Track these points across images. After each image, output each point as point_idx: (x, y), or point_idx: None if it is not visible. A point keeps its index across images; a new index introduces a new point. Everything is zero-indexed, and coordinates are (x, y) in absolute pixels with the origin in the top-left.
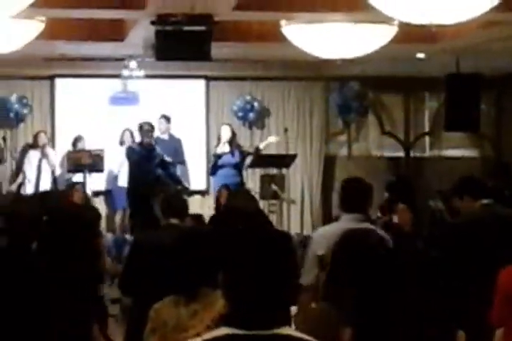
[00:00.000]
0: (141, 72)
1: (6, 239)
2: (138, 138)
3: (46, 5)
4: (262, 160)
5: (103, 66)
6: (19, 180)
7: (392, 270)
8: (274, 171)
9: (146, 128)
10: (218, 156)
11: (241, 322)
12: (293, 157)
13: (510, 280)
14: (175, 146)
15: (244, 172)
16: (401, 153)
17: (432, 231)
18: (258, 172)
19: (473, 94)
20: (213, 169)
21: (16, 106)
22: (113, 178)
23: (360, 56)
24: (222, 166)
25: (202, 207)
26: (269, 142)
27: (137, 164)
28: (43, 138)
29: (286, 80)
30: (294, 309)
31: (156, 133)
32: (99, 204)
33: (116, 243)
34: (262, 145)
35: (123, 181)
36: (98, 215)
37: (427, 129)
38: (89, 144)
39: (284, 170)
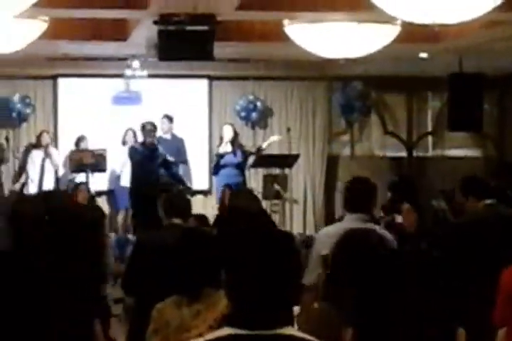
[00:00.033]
0: (144, 72)
1: (10, 239)
2: (140, 138)
3: (49, 5)
4: (264, 160)
5: (106, 66)
6: (22, 179)
7: (393, 270)
8: (276, 171)
9: (148, 128)
10: (220, 156)
11: (243, 322)
12: (296, 157)
13: None
14: (177, 146)
15: (246, 172)
16: (404, 153)
17: (435, 231)
18: (261, 172)
19: (476, 93)
20: (215, 169)
21: (19, 105)
22: (115, 178)
23: (363, 56)
24: (224, 166)
25: (204, 206)
26: (272, 141)
27: (140, 164)
28: (46, 138)
29: (289, 80)
30: (296, 309)
31: (159, 133)
32: (102, 204)
33: (119, 243)
34: (264, 145)
35: (125, 181)
36: (103, 215)
37: (429, 129)
38: (91, 144)
39: (286, 170)
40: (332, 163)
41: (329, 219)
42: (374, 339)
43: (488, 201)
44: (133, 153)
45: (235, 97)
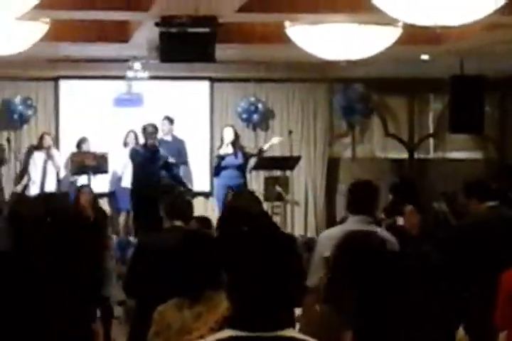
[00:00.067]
0: (146, 74)
1: (10, 239)
2: (142, 140)
3: (50, 6)
4: (266, 162)
5: (107, 67)
6: (24, 181)
7: (394, 272)
8: (278, 173)
9: (149, 130)
10: (221, 157)
11: (244, 323)
12: (297, 159)
13: None
14: (178, 147)
15: (248, 174)
16: (405, 155)
17: (438, 233)
18: (262, 174)
19: (478, 96)
20: (216, 170)
21: (20, 107)
22: (117, 180)
23: (365, 58)
24: (225, 167)
25: (206, 209)
26: (272, 143)
27: (141, 166)
28: (48, 140)
29: (290, 82)
30: (299, 311)
31: (160, 135)
32: (103, 205)
33: (120, 245)
34: (265, 147)
35: (126, 182)
36: (105, 217)
37: (431, 131)
38: (93, 146)
39: (288, 172)
40: (333, 165)
41: (330, 221)
42: None
43: (491, 203)
44: (134, 154)
45: (237, 99)
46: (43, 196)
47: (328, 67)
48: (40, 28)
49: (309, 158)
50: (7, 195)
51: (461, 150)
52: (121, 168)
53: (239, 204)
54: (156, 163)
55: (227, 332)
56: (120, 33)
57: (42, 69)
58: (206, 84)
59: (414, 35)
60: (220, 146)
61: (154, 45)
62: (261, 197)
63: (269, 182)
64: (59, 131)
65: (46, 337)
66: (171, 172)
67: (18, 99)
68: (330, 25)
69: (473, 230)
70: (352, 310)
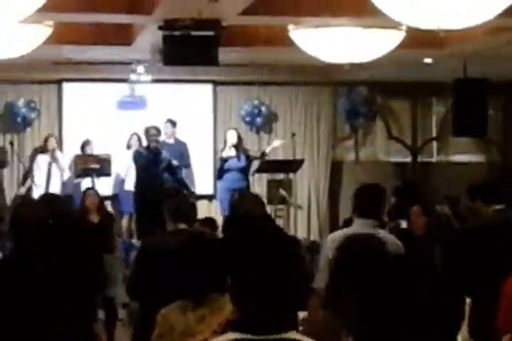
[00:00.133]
0: (149, 77)
1: (12, 242)
2: (145, 143)
3: (54, 9)
4: (269, 165)
5: (111, 70)
6: (27, 184)
7: (396, 274)
8: (281, 176)
9: (152, 132)
10: (224, 160)
11: (248, 326)
12: (300, 162)
13: None
14: (180, 150)
15: (251, 177)
16: (408, 159)
17: (443, 235)
18: (265, 177)
19: (481, 99)
20: (219, 173)
21: (24, 110)
22: (120, 182)
23: (368, 61)
24: (228, 170)
25: (209, 211)
26: (274, 146)
27: (144, 168)
28: (52, 143)
29: (294, 85)
30: (303, 314)
31: (162, 138)
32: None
33: (123, 247)
34: (267, 150)
35: (130, 185)
36: (112, 219)
37: (434, 134)
38: (96, 148)
39: (291, 175)
40: (336, 168)
41: (334, 224)
42: None
43: (498, 206)
44: (137, 157)
45: (240, 102)
46: (46, 198)
47: (331, 70)
48: (43, 30)
49: (312, 161)
50: (9, 198)
51: (464, 154)
52: (125, 170)
53: (243, 207)
54: (159, 166)
55: (231, 335)
56: (123, 36)
57: (45, 72)
58: (209, 87)
59: (418, 39)
60: (223, 149)
61: (157, 48)
62: (264, 200)
63: (272, 185)
64: (62, 134)
65: (43, 337)
66: (175, 175)
67: (21, 102)
68: (333, 28)
69: (479, 233)
70: (352, 314)
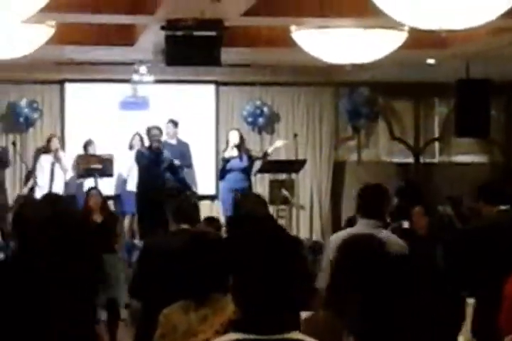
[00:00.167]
0: (151, 77)
1: (15, 242)
2: (147, 143)
3: (56, 10)
4: (271, 165)
5: (113, 71)
6: (30, 184)
7: (396, 274)
8: (283, 176)
9: (153, 132)
10: (226, 160)
11: (250, 326)
12: (302, 162)
13: None
14: (182, 150)
15: (253, 178)
16: (411, 159)
17: (445, 235)
18: (267, 177)
19: (483, 99)
20: (221, 173)
21: (26, 110)
22: (122, 183)
23: (370, 62)
24: (230, 170)
25: (211, 212)
26: (276, 146)
27: (146, 168)
28: (55, 143)
29: (296, 86)
30: (305, 314)
31: (164, 138)
32: None
33: (125, 248)
34: (269, 150)
35: (132, 186)
36: (116, 219)
37: (436, 135)
38: (99, 149)
39: (293, 176)
40: (339, 169)
41: (336, 224)
42: None
43: (503, 207)
44: (140, 157)
45: (242, 103)
46: (49, 198)
47: (333, 70)
48: (45, 31)
49: (315, 161)
50: (11, 198)
51: (466, 154)
52: (127, 170)
53: (245, 207)
54: (160, 166)
55: (233, 335)
56: (126, 36)
57: (48, 73)
58: (212, 87)
59: (420, 39)
60: (225, 149)
61: (160, 49)
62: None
63: (275, 186)
64: (65, 134)
65: (46, 337)
66: (177, 175)
67: (23, 102)
68: (336, 29)
69: (482, 233)
70: (353, 314)
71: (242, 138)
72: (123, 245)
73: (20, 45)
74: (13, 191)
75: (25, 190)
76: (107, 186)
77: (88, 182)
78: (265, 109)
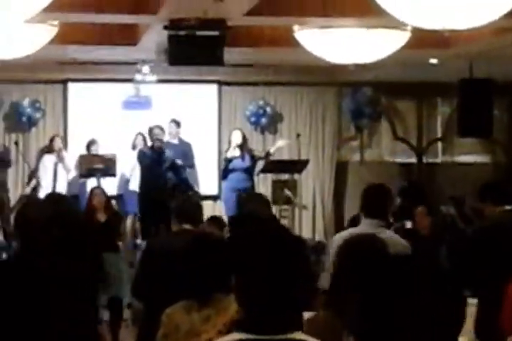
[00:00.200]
0: (154, 77)
1: (17, 242)
2: (150, 143)
3: (59, 9)
4: (274, 165)
5: (116, 70)
6: (32, 184)
7: (397, 274)
8: (286, 176)
9: (155, 132)
10: (229, 160)
11: (253, 326)
12: (305, 162)
13: None
14: (184, 150)
15: (255, 178)
16: (413, 159)
17: (450, 236)
18: (270, 177)
19: (486, 99)
20: (224, 173)
21: (29, 110)
22: (124, 183)
23: (373, 61)
24: (232, 170)
25: (213, 212)
26: (279, 146)
27: (148, 168)
28: (58, 143)
29: (299, 85)
30: (308, 314)
31: (166, 138)
32: None
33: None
34: (272, 150)
35: (134, 185)
36: (120, 218)
37: (439, 135)
38: (102, 148)
39: (296, 176)
40: (341, 169)
41: (339, 224)
42: None
43: (508, 207)
44: (142, 156)
45: (245, 102)
46: (51, 198)
47: (336, 70)
48: (48, 30)
49: (317, 161)
50: (13, 198)
51: (469, 154)
52: (129, 170)
53: (248, 207)
54: (162, 165)
55: (236, 335)
56: (129, 36)
57: (50, 72)
58: (214, 87)
59: (423, 39)
60: (228, 149)
61: (163, 48)
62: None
63: (277, 186)
64: (67, 134)
65: (47, 337)
66: (179, 174)
67: (26, 102)
68: (338, 29)
69: (486, 233)
70: (353, 315)
71: (245, 138)
72: (128, 245)
73: (23, 45)
74: (16, 191)
75: (28, 190)
76: (109, 186)
77: (91, 182)
78: (268, 109)
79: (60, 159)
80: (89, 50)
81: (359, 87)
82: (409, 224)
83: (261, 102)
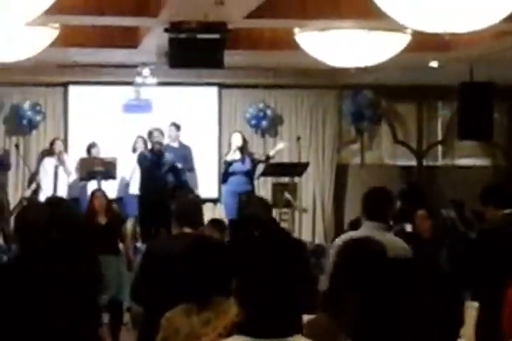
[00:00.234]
0: (154, 80)
1: (17, 245)
2: (150, 145)
3: (60, 12)
4: (274, 168)
5: (116, 73)
6: (32, 187)
7: (396, 277)
8: (286, 180)
9: (155, 135)
10: (229, 163)
11: (253, 329)
12: (305, 165)
13: None
14: (184, 154)
15: (255, 181)
16: (414, 162)
17: (451, 239)
18: (270, 180)
19: (487, 103)
20: (224, 176)
21: (29, 113)
22: (125, 186)
23: (374, 64)
24: (233, 174)
25: (213, 215)
26: (278, 149)
27: (148, 171)
28: (59, 146)
29: (299, 88)
30: (308, 317)
31: (166, 141)
32: None
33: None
34: (271, 153)
35: (134, 189)
36: (120, 222)
37: (439, 138)
38: (102, 151)
39: (296, 179)
40: (341, 172)
41: (339, 227)
42: None
43: (508, 211)
44: (142, 159)
45: (245, 105)
46: (51, 201)
47: (337, 73)
48: (49, 33)
49: (318, 164)
50: (13, 200)
51: (469, 158)
52: (130, 173)
53: (249, 210)
54: (162, 168)
55: (236, 338)
56: (129, 38)
57: (51, 75)
58: (215, 90)
59: (423, 42)
60: (228, 152)
61: (163, 51)
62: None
63: (277, 189)
64: (68, 137)
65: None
66: (179, 178)
67: (26, 105)
68: (339, 31)
69: (487, 237)
70: (351, 317)
71: (245, 140)
72: (129, 247)
73: (24, 48)
74: (16, 194)
75: (28, 193)
76: (109, 189)
77: (91, 185)
78: (268, 112)
79: (61, 162)
80: (90, 52)
81: (359, 89)
82: (408, 227)
83: (261, 105)
